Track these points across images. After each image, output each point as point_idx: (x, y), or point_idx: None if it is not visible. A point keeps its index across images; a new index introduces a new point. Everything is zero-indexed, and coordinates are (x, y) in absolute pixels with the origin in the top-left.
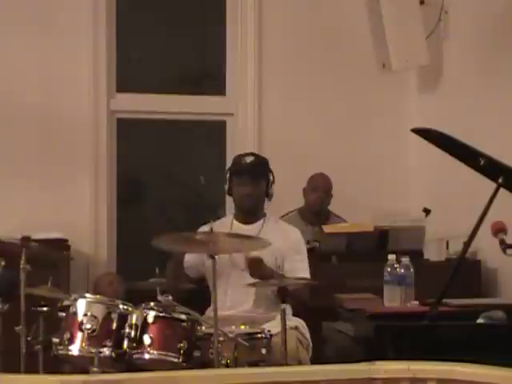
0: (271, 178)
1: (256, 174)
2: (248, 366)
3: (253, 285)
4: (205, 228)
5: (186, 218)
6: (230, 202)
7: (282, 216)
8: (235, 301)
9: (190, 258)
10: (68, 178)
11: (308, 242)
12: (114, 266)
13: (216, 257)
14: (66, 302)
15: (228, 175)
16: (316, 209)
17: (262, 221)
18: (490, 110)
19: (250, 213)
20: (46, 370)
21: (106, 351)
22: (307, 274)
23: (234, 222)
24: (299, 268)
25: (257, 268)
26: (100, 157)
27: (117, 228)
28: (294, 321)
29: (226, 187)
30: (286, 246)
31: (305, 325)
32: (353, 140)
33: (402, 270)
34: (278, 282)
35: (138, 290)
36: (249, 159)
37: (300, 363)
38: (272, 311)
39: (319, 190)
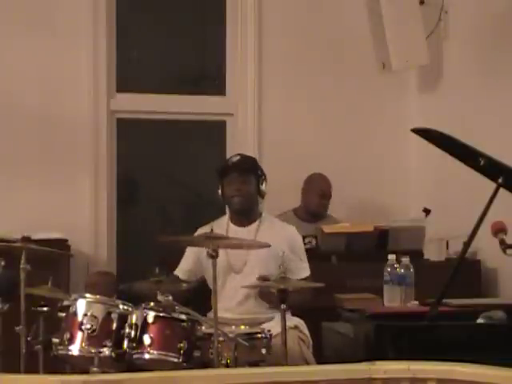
0: (261, 175)
1: (244, 170)
2: (248, 366)
3: (250, 287)
4: (204, 229)
5: (186, 218)
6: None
7: (276, 216)
8: (232, 303)
9: (184, 269)
10: (68, 178)
11: (304, 238)
12: (114, 266)
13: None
14: (65, 302)
15: (219, 179)
16: (319, 213)
17: (257, 222)
18: (490, 110)
19: (244, 212)
20: (46, 370)
21: (106, 351)
22: (308, 273)
23: (230, 224)
24: (300, 268)
25: (267, 298)
26: (100, 157)
27: (117, 228)
28: (293, 320)
29: (220, 192)
30: (285, 247)
31: (303, 323)
32: (353, 140)
33: (402, 270)
34: (279, 283)
35: (138, 289)
36: (235, 158)
37: (306, 362)
38: (270, 312)
39: (326, 196)
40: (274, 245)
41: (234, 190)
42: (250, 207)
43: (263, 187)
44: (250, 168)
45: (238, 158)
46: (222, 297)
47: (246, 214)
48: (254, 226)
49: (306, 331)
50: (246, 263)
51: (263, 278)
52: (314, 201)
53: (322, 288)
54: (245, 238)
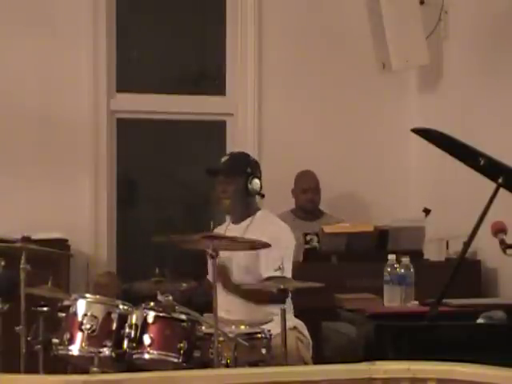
0: (251, 173)
1: (227, 172)
2: (248, 366)
3: (251, 286)
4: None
5: (186, 217)
6: None
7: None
8: (231, 304)
9: None
10: (68, 178)
11: (306, 235)
12: (114, 265)
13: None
14: (65, 302)
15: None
16: (309, 209)
17: (249, 219)
18: (490, 110)
19: (232, 212)
20: (46, 370)
21: (106, 351)
22: (272, 272)
23: (230, 222)
24: (267, 264)
25: (222, 276)
26: (100, 157)
27: (117, 228)
28: (292, 321)
29: None
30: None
31: (303, 324)
32: (353, 140)
33: (402, 270)
34: (278, 284)
35: (138, 289)
36: (223, 159)
37: (304, 362)
38: (270, 313)
39: (309, 191)
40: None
41: (220, 193)
42: (238, 207)
43: (252, 185)
44: (234, 169)
45: (225, 158)
46: (222, 298)
47: (236, 213)
48: (245, 223)
49: (306, 332)
50: (232, 262)
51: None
52: (300, 198)
53: (322, 288)
54: (236, 235)
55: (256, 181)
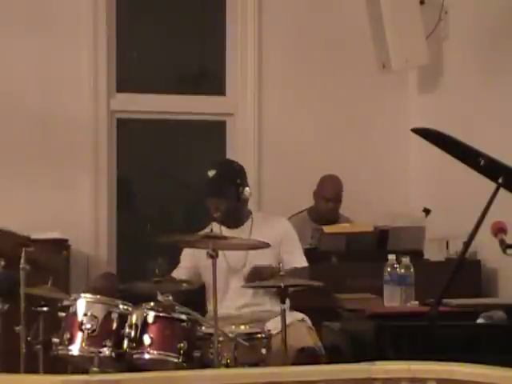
0: (241, 183)
1: (216, 193)
2: (248, 366)
3: (251, 287)
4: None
5: (186, 218)
6: None
7: (292, 216)
8: (236, 302)
9: (183, 266)
10: (68, 177)
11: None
12: (114, 266)
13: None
14: (65, 302)
15: None
16: (328, 218)
17: (249, 221)
18: (490, 110)
19: (225, 221)
20: (46, 370)
21: (106, 351)
22: (304, 262)
23: (223, 227)
24: (295, 258)
25: (259, 278)
26: (100, 157)
27: (117, 228)
28: (298, 314)
29: None
30: (279, 239)
31: (307, 318)
32: (353, 140)
33: (402, 270)
34: (277, 282)
35: (138, 290)
36: (210, 173)
37: (317, 346)
38: (275, 308)
39: (331, 200)
40: (270, 241)
41: (213, 210)
42: (233, 217)
43: (244, 194)
44: (223, 188)
45: (212, 173)
46: (226, 299)
47: (231, 221)
48: (246, 225)
49: (311, 325)
50: (245, 264)
51: (256, 269)
52: (320, 205)
53: (322, 288)
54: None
55: (246, 189)
